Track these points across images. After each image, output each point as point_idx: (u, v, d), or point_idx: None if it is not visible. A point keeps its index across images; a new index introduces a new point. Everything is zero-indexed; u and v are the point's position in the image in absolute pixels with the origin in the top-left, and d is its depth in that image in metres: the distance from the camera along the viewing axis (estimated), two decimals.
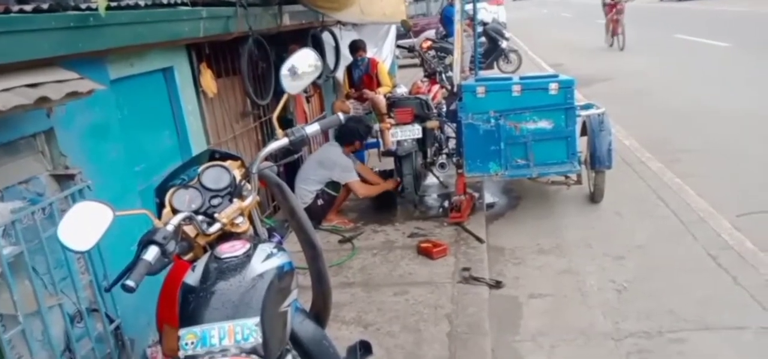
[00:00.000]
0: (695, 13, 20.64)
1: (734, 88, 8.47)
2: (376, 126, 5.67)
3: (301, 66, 1.95)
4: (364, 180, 5.03)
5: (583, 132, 4.89)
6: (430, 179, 5.69)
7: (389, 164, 5.56)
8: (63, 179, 2.46)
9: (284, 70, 1.91)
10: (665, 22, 18.73)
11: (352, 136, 4.96)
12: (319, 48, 6.08)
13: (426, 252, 4.04)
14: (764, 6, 18.22)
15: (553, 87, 4.45)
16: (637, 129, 6.87)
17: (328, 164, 4.90)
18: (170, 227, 1.51)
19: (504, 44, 12.07)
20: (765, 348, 2.83)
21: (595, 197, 4.85)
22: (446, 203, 4.92)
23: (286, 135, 1.84)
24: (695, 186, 4.91)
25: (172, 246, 1.50)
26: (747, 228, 4.03)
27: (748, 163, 5.36)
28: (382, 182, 5.15)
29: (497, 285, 3.64)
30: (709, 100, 8.00)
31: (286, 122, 5.10)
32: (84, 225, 1.48)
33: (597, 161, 4.67)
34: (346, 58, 6.68)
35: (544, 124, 4.47)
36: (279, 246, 1.72)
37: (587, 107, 5.01)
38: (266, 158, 1.84)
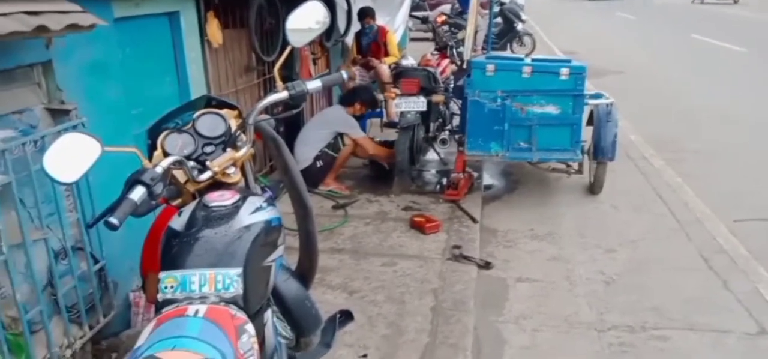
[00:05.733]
0: (714, 15, 20.35)
1: (745, 94, 8.39)
2: (381, 96, 5.63)
3: (307, 18, 1.90)
4: None
5: (589, 122, 4.85)
6: (430, 155, 5.66)
7: (390, 135, 5.53)
8: (57, 114, 2.43)
9: (290, 21, 1.86)
10: (682, 22, 18.50)
11: (354, 96, 4.96)
12: (331, 10, 5.99)
13: (418, 227, 4.03)
14: None
15: (564, 72, 4.39)
16: (644, 125, 6.82)
17: (332, 121, 4.90)
18: (159, 169, 1.49)
19: (519, 26, 11.94)
20: (747, 354, 2.83)
21: (594, 189, 4.83)
22: (444, 180, 4.89)
23: (286, 88, 1.80)
24: (695, 187, 4.89)
25: (159, 188, 1.47)
26: (743, 234, 4.01)
27: (750, 169, 5.33)
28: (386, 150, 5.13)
29: (486, 265, 3.64)
30: (718, 102, 7.92)
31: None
32: (71, 157, 1.45)
33: (600, 152, 4.63)
34: (358, 24, 6.60)
35: (551, 109, 4.42)
36: (270, 201, 1.70)
37: (596, 96, 4.96)
38: (264, 111, 1.81)
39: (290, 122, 5.09)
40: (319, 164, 4.80)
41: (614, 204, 4.66)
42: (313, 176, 4.72)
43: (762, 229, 4.12)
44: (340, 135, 4.97)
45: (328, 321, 2.10)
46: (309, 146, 4.80)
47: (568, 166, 4.92)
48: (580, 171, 4.90)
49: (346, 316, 2.18)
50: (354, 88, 5.30)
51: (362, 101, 4.99)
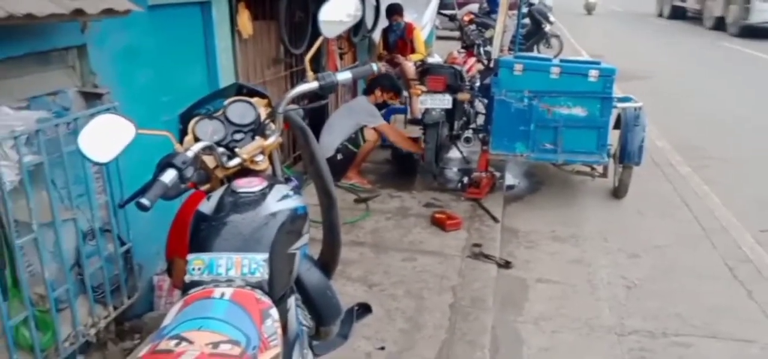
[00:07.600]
0: None
1: None
2: (406, 93, 5.62)
3: (340, 10, 1.90)
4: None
5: (616, 125, 4.79)
6: (453, 153, 5.63)
7: (414, 132, 5.53)
8: (90, 97, 2.49)
9: (323, 11, 1.87)
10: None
11: (375, 83, 4.96)
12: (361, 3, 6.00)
13: (439, 223, 4.03)
14: None
15: (593, 74, 4.35)
16: (671, 130, 6.71)
17: (356, 111, 4.91)
18: (190, 154, 1.51)
19: (547, 28, 11.78)
20: None
21: (618, 193, 4.77)
22: (466, 179, 4.88)
23: (317, 79, 1.81)
24: (722, 195, 4.80)
25: (189, 172, 1.50)
26: None
27: None
28: (410, 141, 5.12)
29: (506, 264, 3.62)
30: (748, 111, 7.76)
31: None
32: (105, 138, 1.47)
33: (626, 156, 4.57)
34: (386, 20, 6.61)
35: (578, 111, 4.38)
36: (296, 190, 1.72)
37: (625, 99, 4.90)
38: (293, 101, 1.83)
39: (315, 113, 5.12)
40: (339, 156, 4.82)
41: (639, 209, 4.61)
42: (334, 168, 4.73)
43: None
44: (361, 129, 4.98)
45: (347, 312, 2.11)
46: (334, 135, 4.82)
47: (593, 169, 4.87)
48: (604, 175, 4.85)
49: (364, 309, 2.19)
50: (375, 76, 5.30)
51: (383, 87, 4.97)
